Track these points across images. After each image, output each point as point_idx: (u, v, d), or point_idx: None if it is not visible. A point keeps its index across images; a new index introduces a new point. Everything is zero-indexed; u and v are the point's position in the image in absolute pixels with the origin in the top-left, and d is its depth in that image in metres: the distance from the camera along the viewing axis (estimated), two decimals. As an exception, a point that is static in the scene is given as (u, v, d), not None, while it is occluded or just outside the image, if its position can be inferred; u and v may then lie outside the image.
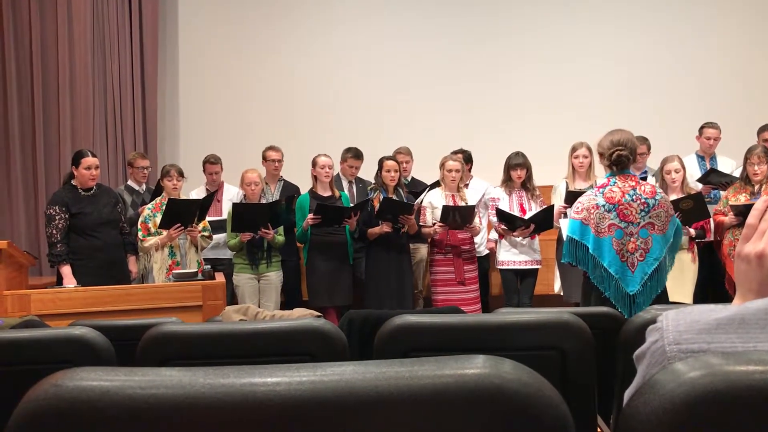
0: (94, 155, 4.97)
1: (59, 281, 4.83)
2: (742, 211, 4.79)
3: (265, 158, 5.84)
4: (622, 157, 3.40)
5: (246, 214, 5.07)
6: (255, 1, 7.51)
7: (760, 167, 4.98)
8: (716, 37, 7.27)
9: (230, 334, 1.88)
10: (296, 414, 0.70)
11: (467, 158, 5.78)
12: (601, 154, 3.50)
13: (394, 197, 5.26)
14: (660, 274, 3.39)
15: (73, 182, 4.89)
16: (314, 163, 5.37)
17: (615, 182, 3.42)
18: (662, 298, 3.44)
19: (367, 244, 5.30)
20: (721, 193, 5.31)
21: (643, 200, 3.38)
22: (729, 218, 4.93)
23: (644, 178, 4.86)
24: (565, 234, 4.71)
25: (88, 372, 0.73)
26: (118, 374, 0.73)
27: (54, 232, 4.73)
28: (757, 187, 5.02)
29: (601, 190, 3.44)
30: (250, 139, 6.61)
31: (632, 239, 3.36)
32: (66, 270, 4.73)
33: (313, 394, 0.71)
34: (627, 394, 0.89)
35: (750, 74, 7.23)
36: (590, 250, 3.38)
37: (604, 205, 3.38)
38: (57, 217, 4.74)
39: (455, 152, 5.68)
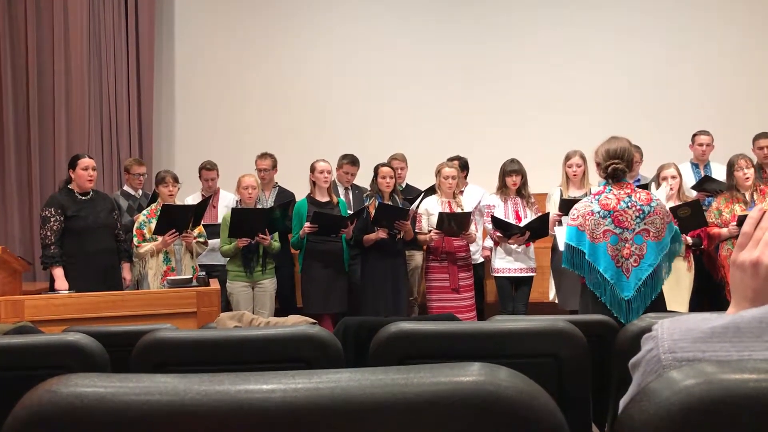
0: (90, 157, 4.99)
1: (52, 284, 4.82)
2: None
3: (255, 165, 5.86)
4: (618, 170, 3.44)
5: (244, 220, 5.06)
6: (251, 8, 7.52)
7: (749, 171, 5.02)
8: (713, 45, 7.30)
9: (225, 340, 1.87)
10: (291, 421, 0.70)
11: (463, 165, 5.79)
12: (597, 164, 3.54)
13: (390, 203, 5.27)
14: (655, 280, 3.42)
15: (70, 186, 4.89)
16: (313, 169, 5.36)
17: (610, 189, 3.47)
18: (660, 305, 3.47)
19: (363, 251, 5.29)
20: (714, 200, 5.33)
21: (638, 207, 3.41)
22: (730, 229, 4.95)
23: (645, 186, 4.87)
24: (560, 241, 4.75)
25: (82, 378, 0.73)
26: (113, 380, 0.73)
27: (48, 233, 4.73)
28: (748, 195, 5.05)
29: (596, 197, 3.49)
30: (246, 146, 6.60)
31: (627, 245, 3.40)
32: (58, 272, 4.72)
33: (309, 401, 0.70)
34: (622, 402, 0.89)
35: (746, 82, 7.26)
36: (586, 256, 3.42)
37: (599, 212, 3.42)
38: (52, 219, 4.73)
39: (451, 159, 5.69)
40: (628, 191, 3.45)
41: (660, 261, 3.42)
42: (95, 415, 0.70)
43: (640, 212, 3.40)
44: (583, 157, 5.22)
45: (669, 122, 7.00)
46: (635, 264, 3.39)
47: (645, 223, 3.41)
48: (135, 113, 7.13)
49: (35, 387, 0.73)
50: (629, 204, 3.41)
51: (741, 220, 4.85)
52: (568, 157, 5.28)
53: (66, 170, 5.08)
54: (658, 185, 5.10)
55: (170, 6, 7.52)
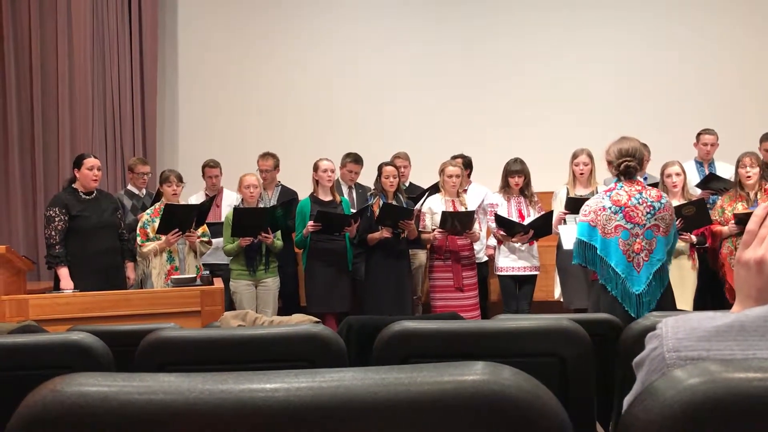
0: (96, 157, 5.01)
1: (56, 284, 4.83)
2: (743, 220, 4.80)
3: (257, 166, 5.86)
4: (630, 168, 3.53)
5: (246, 219, 5.07)
6: (254, 8, 7.52)
7: (753, 170, 4.99)
8: (717, 43, 7.28)
9: (229, 339, 1.88)
10: (295, 420, 0.70)
11: (467, 163, 5.78)
12: (609, 162, 3.62)
13: (394, 203, 5.26)
14: (663, 274, 3.51)
15: (74, 186, 4.90)
16: (316, 167, 5.36)
17: (621, 186, 3.55)
18: (670, 299, 3.55)
19: (367, 250, 5.29)
20: (719, 198, 5.32)
21: (649, 203, 3.50)
22: (729, 227, 4.93)
23: (654, 185, 4.89)
24: (564, 240, 4.75)
25: (86, 377, 0.73)
26: (117, 380, 0.73)
27: (53, 233, 4.73)
28: (752, 194, 5.02)
29: (608, 193, 3.57)
30: (250, 145, 6.61)
31: (638, 240, 3.47)
32: (63, 272, 4.73)
33: (312, 400, 0.70)
34: (626, 401, 0.88)
35: (751, 80, 7.25)
36: (598, 251, 3.49)
37: (610, 207, 3.50)
38: (56, 219, 4.74)
39: (455, 157, 5.68)
40: (639, 188, 3.54)
41: (666, 256, 3.52)
42: (99, 414, 0.70)
43: (651, 208, 3.49)
44: (590, 156, 5.20)
45: (672, 121, 6.98)
46: (646, 259, 3.47)
47: (655, 219, 3.49)
48: (138, 113, 7.15)
49: (39, 386, 0.73)
50: (640, 200, 3.50)
51: (739, 218, 4.84)
52: (575, 155, 5.26)
53: (70, 169, 5.08)
54: (662, 183, 5.09)
55: (173, 6, 7.53)
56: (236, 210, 5.13)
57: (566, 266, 4.86)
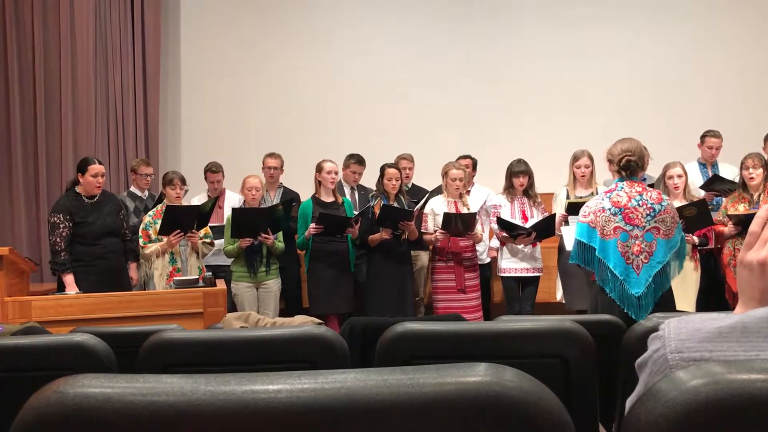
0: (100, 163, 4.98)
1: (60, 287, 4.83)
2: (742, 221, 4.80)
3: (262, 165, 5.86)
4: (631, 162, 3.51)
5: (245, 219, 5.06)
6: (257, 10, 7.53)
7: (756, 171, 4.97)
8: (720, 44, 7.28)
9: (231, 341, 1.88)
10: (297, 422, 0.70)
11: (474, 164, 5.80)
12: (610, 161, 3.61)
13: (395, 204, 5.26)
14: (663, 277, 3.48)
15: (77, 189, 4.88)
16: (320, 168, 5.36)
17: (622, 187, 3.53)
18: (670, 303, 3.52)
19: (369, 251, 5.29)
20: (724, 200, 5.31)
21: (649, 205, 3.48)
22: (728, 228, 4.93)
23: (651, 186, 4.88)
24: (567, 241, 4.75)
25: (89, 379, 0.73)
26: (120, 381, 0.73)
27: (58, 240, 4.72)
28: (756, 195, 5.01)
29: (608, 194, 3.56)
30: (252, 147, 6.61)
31: (637, 242, 3.45)
32: (69, 279, 4.72)
33: (315, 401, 0.70)
34: (629, 402, 0.88)
35: (754, 82, 7.23)
36: (597, 252, 3.48)
37: (610, 209, 3.49)
38: (61, 225, 4.73)
39: (462, 157, 5.68)
40: (640, 190, 3.53)
41: (669, 258, 3.48)
42: (102, 415, 0.70)
43: (651, 210, 3.47)
44: (590, 157, 5.20)
45: (675, 122, 6.98)
46: (645, 261, 3.45)
47: (655, 221, 3.47)
48: (141, 115, 7.15)
49: (43, 388, 0.73)
50: (640, 202, 3.48)
51: (738, 219, 4.84)
52: (576, 158, 5.25)
53: (73, 171, 5.07)
54: (663, 184, 5.08)
55: (176, 7, 7.54)
56: (235, 210, 5.13)
57: (568, 268, 4.85)
